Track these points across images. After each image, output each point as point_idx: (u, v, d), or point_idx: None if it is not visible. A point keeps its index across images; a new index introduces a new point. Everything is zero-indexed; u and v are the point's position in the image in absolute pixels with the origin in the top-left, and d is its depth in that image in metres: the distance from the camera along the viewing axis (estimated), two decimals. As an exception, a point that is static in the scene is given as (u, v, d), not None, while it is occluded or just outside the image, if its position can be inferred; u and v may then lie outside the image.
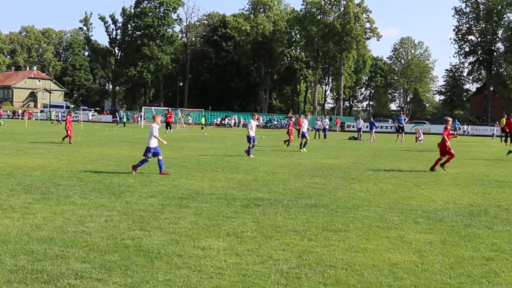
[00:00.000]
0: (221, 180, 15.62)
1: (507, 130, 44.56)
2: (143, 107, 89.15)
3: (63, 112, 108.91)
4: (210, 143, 35.26)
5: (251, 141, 25.33)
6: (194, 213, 10.40)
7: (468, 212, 11.34)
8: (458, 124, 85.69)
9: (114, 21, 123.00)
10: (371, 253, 7.79)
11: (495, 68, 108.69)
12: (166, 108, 70.87)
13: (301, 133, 32.10)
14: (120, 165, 18.92)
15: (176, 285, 6.17)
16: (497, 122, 66.58)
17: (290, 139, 34.45)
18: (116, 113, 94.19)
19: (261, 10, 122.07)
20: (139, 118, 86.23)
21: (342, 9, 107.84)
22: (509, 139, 43.98)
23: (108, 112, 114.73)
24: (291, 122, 36.67)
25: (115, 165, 18.90)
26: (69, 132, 30.59)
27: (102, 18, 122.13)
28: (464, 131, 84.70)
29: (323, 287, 6.26)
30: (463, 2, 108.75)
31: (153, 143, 16.93)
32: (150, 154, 16.86)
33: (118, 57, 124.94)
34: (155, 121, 17.55)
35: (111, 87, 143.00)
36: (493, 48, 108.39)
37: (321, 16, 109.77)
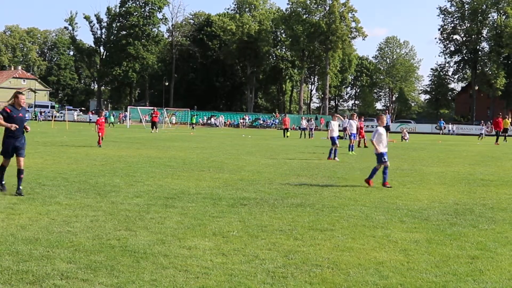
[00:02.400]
0: (207, 179, 15.59)
1: (496, 129, 45.11)
2: (128, 106, 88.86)
3: (48, 112, 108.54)
4: (196, 143, 35.19)
5: (335, 142, 24.05)
6: (180, 213, 10.37)
7: (453, 211, 11.38)
8: (443, 123, 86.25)
9: (99, 21, 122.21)
10: (357, 252, 7.80)
11: (480, 67, 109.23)
12: (152, 107, 70.75)
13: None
14: (105, 165, 18.82)
15: (162, 285, 6.15)
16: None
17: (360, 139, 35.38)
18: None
19: (246, 9, 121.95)
20: (124, 118, 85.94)
21: (327, 8, 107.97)
22: (501, 138, 44.47)
23: (93, 112, 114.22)
24: (361, 122, 36.92)
25: (100, 165, 18.79)
26: (100, 134, 28.73)
27: (87, 18, 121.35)
28: (449, 130, 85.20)
29: (309, 286, 6.26)
30: (448, 2, 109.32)
31: (381, 148, 15.27)
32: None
33: (103, 57, 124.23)
34: (380, 122, 15.94)
35: (96, 86, 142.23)
36: (478, 47, 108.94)
37: (307, 15, 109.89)
